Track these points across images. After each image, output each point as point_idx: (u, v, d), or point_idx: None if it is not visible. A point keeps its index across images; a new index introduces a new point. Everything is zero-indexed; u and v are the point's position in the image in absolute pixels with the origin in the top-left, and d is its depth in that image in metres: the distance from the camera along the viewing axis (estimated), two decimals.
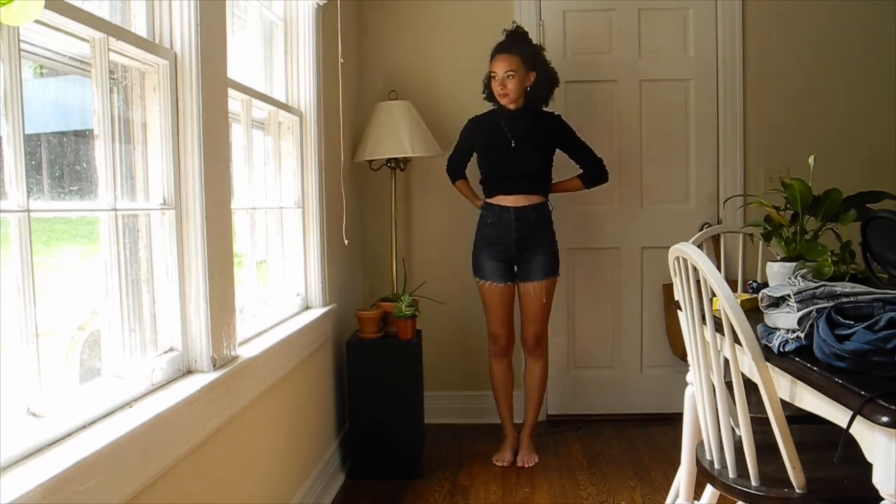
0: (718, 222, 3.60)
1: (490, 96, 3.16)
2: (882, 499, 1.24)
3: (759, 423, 1.64)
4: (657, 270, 3.67)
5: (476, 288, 3.22)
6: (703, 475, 1.76)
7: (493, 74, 3.07)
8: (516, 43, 3.07)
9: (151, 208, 1.67)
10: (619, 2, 3.61)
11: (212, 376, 1.68)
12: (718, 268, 3.12)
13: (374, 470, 3.01)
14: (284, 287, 2.68)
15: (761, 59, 3.59)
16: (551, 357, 3.49)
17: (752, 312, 1.79)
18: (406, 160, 3.52)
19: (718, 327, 1.65)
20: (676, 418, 2.65)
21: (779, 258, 2.06)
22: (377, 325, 3.06)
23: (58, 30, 1.34)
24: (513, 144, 3.08)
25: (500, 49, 3.07)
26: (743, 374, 1.60)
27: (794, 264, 1.94)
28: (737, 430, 1.71)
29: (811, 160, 2.12)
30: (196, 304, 1.71)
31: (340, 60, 3.00)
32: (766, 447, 1.66)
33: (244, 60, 2.45)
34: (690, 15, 3.61)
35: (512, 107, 3.09)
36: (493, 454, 3.22)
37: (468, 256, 3.23)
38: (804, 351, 1.48)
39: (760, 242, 2.58)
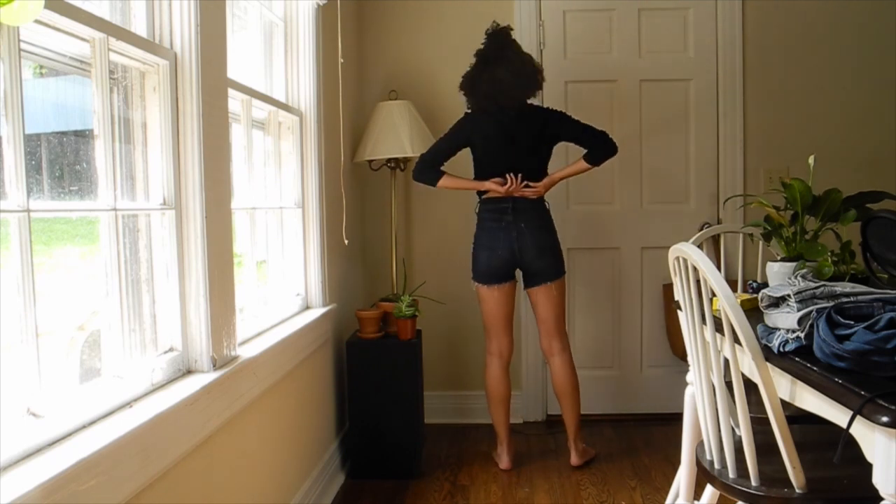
0: (718, 222, 3.60)
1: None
2: (882, 499, 1.24)
3: (759, 423, 1.64)
4: (657, 270, 3.67)
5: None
6: (703, 475, 1.76)
7: None
8: None
9: (151, 208, 1.67)
10: (619, 2, 3.61)
11: (212, 376, 1.68)
12: (718, 268, 3.12)
13: (374, 470, 3.01)
14: (284, 287, 2.68)
15: (761, 59, 3.59)
16: None
17: (752, 312, 1.79)
18: (406, 160, 3.52)
19: (718, 327, 1.65)
20: (676, 418, 2.65)
21: (779, 258, 2.06)
22: (377, 325, 3.06)
23: (58, 30, 1.34)
24: None
25: None
26: (743, 374, 1.60)
27: (794, 264, 1.94)
28: (737, 430, 1.71)
29: (811, 160, 2.12)
30: (196, 304, 1.71)
31: (340, 60, 3.00)
32: (766, 447, 1.66)
33: (244, 60, 2.45)
34: (690, 15, 3.61)
35: None
36: (492, 454, 3.23)
37: (468, 256, 3.19)
38: (804, 351, 1.48)
39: (760, 242, 2.58)
